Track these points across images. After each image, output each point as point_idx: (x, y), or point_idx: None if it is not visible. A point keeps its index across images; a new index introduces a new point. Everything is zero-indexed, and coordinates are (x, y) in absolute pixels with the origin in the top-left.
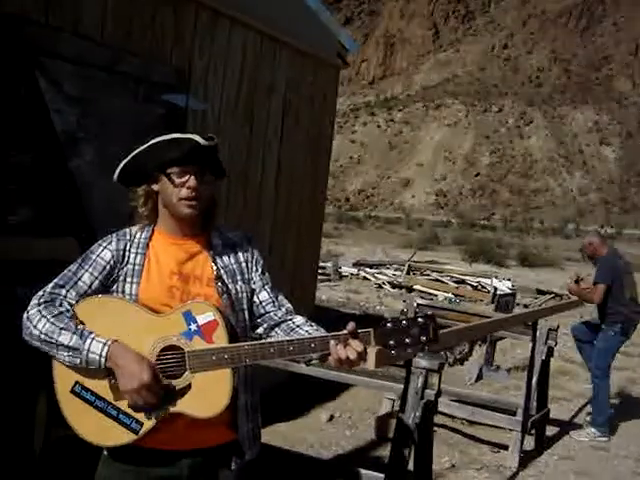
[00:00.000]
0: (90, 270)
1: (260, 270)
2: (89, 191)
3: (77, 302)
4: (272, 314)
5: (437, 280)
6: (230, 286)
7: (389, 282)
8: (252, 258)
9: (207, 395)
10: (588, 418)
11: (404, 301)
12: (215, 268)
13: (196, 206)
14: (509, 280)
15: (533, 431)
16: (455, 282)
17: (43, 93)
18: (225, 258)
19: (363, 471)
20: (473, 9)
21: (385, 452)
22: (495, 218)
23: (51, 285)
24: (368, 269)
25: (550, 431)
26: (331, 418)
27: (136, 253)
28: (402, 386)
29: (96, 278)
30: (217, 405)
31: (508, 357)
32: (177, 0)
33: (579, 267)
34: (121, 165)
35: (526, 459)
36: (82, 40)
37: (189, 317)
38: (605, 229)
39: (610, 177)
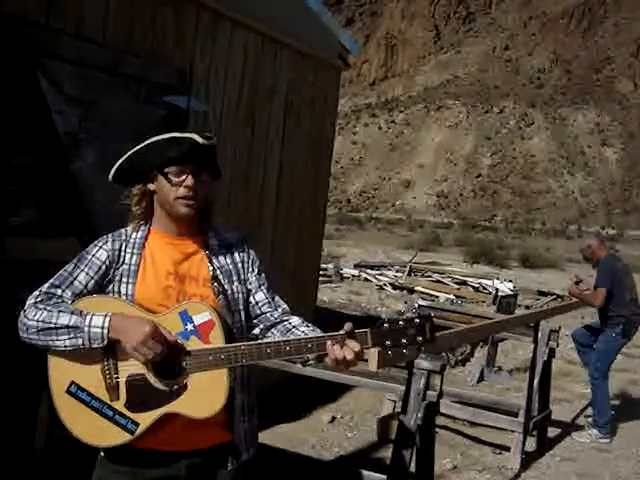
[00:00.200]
0: (86, 270)
1: (256, 271)
2: (91, 192)
3: (73, 302)
4: (268, 315)
5: (438, 281)
6: (226, 286)
7: (390, 283)
8: (248, 258)
9: (204, 395)
10: (589, 419)
11: (405, 302)
12: (211, 268)
13: (193, 205)
14: (510, 281)
15: (535, 432)
16: (456, 283)
17: (45, 94)
18: (221, 258)
19: (365, 472)
20: (474, 10)
21: (387, 453)
22: (496, 219)
23: (47, 285)
24: (369, 270)
25: (552, 432)
26: (332, 419)
27: (132, 253)
28: (404, 387)
29: (92, 278)
30: (214, 405)
31: (510, 358)
32: (178, 1)
33: (580, 268)
34: (117, 164)
35: (528, 460)
36: (83, 41)
37: (185, 317)
38: (607, 230)
39: (612, 178)
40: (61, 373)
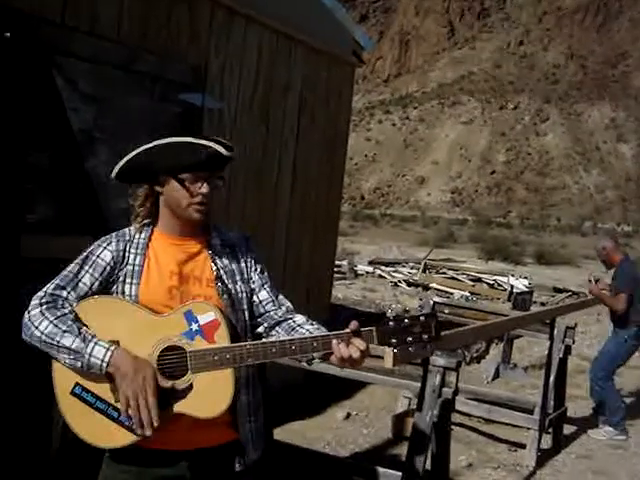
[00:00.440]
0: (90, 271)
1: (259, 269)
2: (105, 190)
3: (79, 303)
4: (272, 313)
5: (453, 278)
6: (230, 286)
7: (405, 280)
8: (251, 258)
9: (209, 395)
10: (602, 418)
11: (420, 299)
12: (215, 268)
13: (204, 210)
14: (526, 278)
15: (550, 430)
16: (471, 280)
17: (60, 92)
18: (224, 258)
19: (380, 469)
20: (488, 6)
21: (402, 451)
22: (511, 216)
23: (52, 286)
24: (384, 267)
25: (567, 430)
26: (348, 416)
27: (136, 254)
28: (419, 384)
29: (96, 279)
30: (219, 405)
31: (525, 355)
32: None
33: (595, 265)
34: (123, 162)
35: (543, 458)
36: (98, 39)
37: (190, 317)
38: (622, 227)
39: (627, 174)
40: (65, 374)
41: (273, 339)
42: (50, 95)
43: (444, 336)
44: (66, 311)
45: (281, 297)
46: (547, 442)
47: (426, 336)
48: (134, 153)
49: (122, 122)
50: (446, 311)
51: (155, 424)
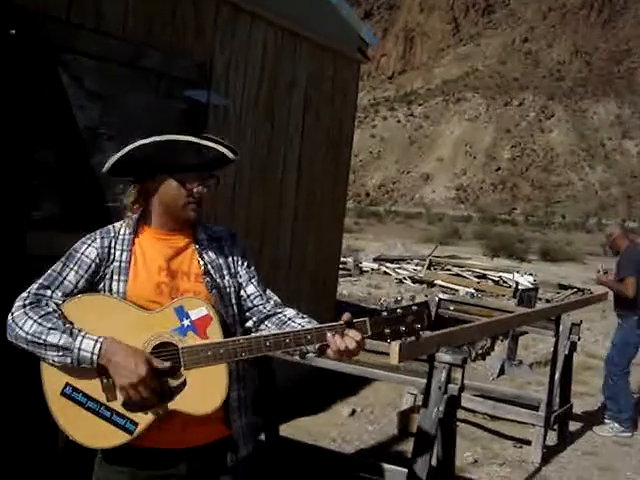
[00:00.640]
0: (75, 269)
1: (246, 264)
2: (111, 186)
3: (64, 302)
4: (261, 307)
5: (458, 275)
6: (218, 281)
7: (410, 277)
8: (237, 252)
9: (203, 392)
10: (608, 413)
11: (425, 296)
12: (202, 263)
13: (199, 209)
14: (531, 275)
15: (556, 426)
16: (476, 277)
17: (65, 89)
18: (211, 253)
19: (386, 465)
20: (493, 2)
21: (407, 447)
22: (516, 212)
23: (36, 286)
24: (389, 264)
25: (573, 426)
26: (353, 413)
27: (122, 250)
28: (424, 381)
29: (82, 277)
30: (213, 401)
31: (530, 352)
32: None
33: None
34: (120, 154)
35: (549, 454)
36: (104, 36)
37: (181, 313)
38: (627, 223)
39: (632, 171)
40: (55, 375)
41: (264, 333)
42: (56, 92)
43: (449, 333)
44: (50, 309)
45: (269, 291)
46: (552, 439)
47: (419, 325)
48: (130, 147)
49: (128, 119)
50: (451, 308)
51: (161, 412)
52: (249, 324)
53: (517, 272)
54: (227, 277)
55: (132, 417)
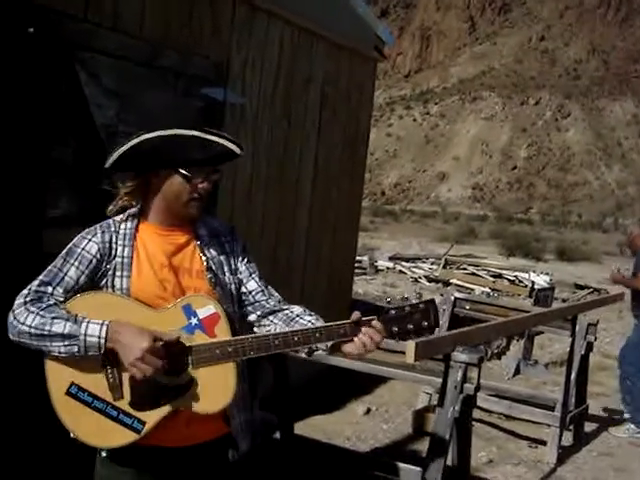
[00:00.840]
0: (76, 264)
1: (246, 259)
2: None
3: (69, 299)
4: (263, 302)
5: (474, 274)
6: (220, 277)
7: (425, 276)
8: (237, 247)
9: (211, 390)
10: (626, 415)
11: (441, 295)
12: (204, 259)
13: (202, 206)
14: (547, 274)
15: (571, 427)
16: (492, 276)
17: (83, 87)
18: (212, 249)
19: (401, 464)
20: (509, 1)
21: (422, 446)
22: (532, 212)
23: (36, 282)
24: (404, 263)
25: (588, 427)
26: (368, 411)
27: (123, 245)
28: (440, 380)
29: (82, 273)
30: (221, 400)
31: (546, 352)
32: None
33: (617, 261)
34: (124, 148)
35: (564, 455)
36: (121, 35)
37: (189, 311)
38: None
39: None
40: (59, 374)
41: (269, 328)
42: (73, 90)
43: (465, 332)
44: (51, 302)
45: (270, 288)
46: (568, 439)
47: (426, 323)
48: (135, 142)
49: (145, 117)
50: (467, 307)
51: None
52: (252, 318)
53: (533, 271)
54: (227, 274)
55: (139, 416)
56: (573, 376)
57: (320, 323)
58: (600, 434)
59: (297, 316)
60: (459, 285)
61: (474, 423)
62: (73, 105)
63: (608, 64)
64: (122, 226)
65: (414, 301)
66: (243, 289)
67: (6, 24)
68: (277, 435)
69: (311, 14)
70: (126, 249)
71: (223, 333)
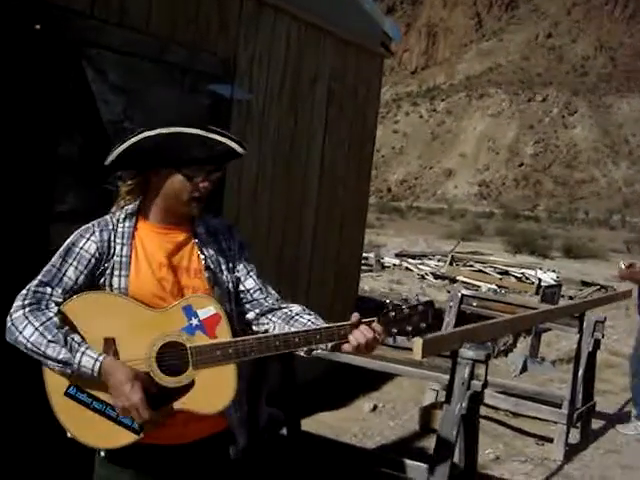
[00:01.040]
0: (75, 264)
1: (244, 257)
2: None
3: (68, 300)
4: (262, 300)
5: (480, 271)
6: (218, 276)
7: (432, 273)
8: (234, 246)
9: (212, 391)
10: (634, 412)
11: (448, 292)
12: (202, 258)
13: (202, 205)
14: (554, 271)
15: (578, 424)
16: (499, 273)
17: (90, 83)
18: (210, 247)
19: (407, 461)
20: None
21: (428, 443)
22: (539, 209)
23: (35, 283)
24: (410, 260)
25: (596, 424)
26: (374, 408)
27: (122, 244)
28: (447, 377)
29: (82, 273)
30: (222, 401)
31: (553, 349)
32: None
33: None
34: (124, 146)
35: (571, 452)
36: (128, 31)
37: (190, 312)
38: None
39: None
40: (58, 376)
41: (268, 327)
42: (80, 87)
43: (473, 329)
44: (51, 314)
45: (268, 286)
46: (575, 437)
47: (424, 324)
48: (135, 139)
49: (151, 113)
50: (474, 304)
51: (168, 413)
52: (250, 316)
53: (540, 269)
54: (225, 272)
55: None
56: (580, 373)
57: (319, 322)
58: (607, 431)
59: (296, 315)
60: (466, 282)
61: (481, 420)
62: (80, 101)
63: (615, 61)
64: (120, 224)
65: (414, 302)
66: (241, 287)
67: (13, 21)
68: (284, 431)
69: (318, 10)
70: (124, 248)
71: (224, 334)
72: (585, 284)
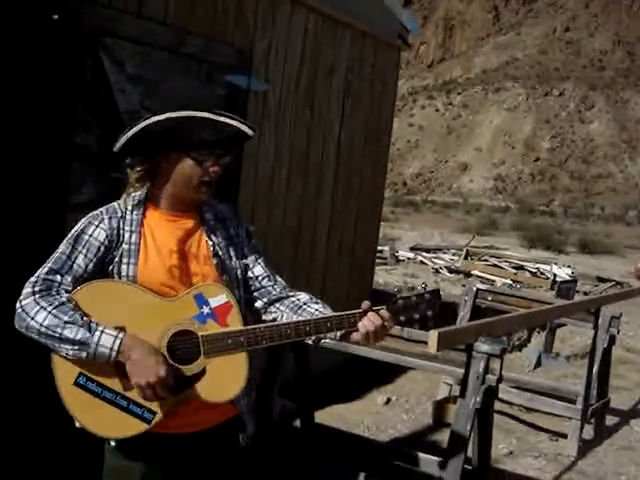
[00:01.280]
0: (84, 252)
1: (251, 244)
2: None
3: (78, 288)
4: (270, 288)
5: (495, 266)
6: (227, 262)
7: (446, 267)
8: (242, 232)
9: (223, 379)
10: None
11: (463, 286)
12: (211, 244)
13: (211, 190)
14: (569, 267)
15: (592, 420)
16: (514, 268)
17: (107, 73)
18: (218, 233)
19: (421, 455)
20: None
21: (442, 437)
22: (555, 204)
23: (45, 270)
24: (425, 253)
25: (610, 421)
26: (388, 401)
27: (131, 231)
28: (462, 371)
29: (91, 260)
30: (232, 389)
31: (567, 345)
32: None
33: None
34: (133, 131)
35: (585, 448)
36: (145, 21)
37: (201, 300)
38: None
39: None
40: (67, 365)
41: (276, 316)
42: (97, 77)
43: (488, 323)
44: (63, 299)
45: (275, 274)
46: (589, 432)
47: (430, 313)
48: (144, 124)
49: (168, 103)
50: (489, 298)
51: (180, 401)
52: (258, 304)
53: (555, 264)
54: (234, 258)
55: (149, 406)
56: (595, 369)
57: (327, 311)
58: (621, 428)
59: (304, 304)
60: (480, 276)
61: (495, 414)
62: (97, 91)
63: (633, 55)
64: (129, 212)
65: (420, 290)
66: (249, 274)
67: (31, 11)
68: (297, 423)
69: (335, 1)
70: (133, 235)
71: (235, 322)
72: (601, 280)
